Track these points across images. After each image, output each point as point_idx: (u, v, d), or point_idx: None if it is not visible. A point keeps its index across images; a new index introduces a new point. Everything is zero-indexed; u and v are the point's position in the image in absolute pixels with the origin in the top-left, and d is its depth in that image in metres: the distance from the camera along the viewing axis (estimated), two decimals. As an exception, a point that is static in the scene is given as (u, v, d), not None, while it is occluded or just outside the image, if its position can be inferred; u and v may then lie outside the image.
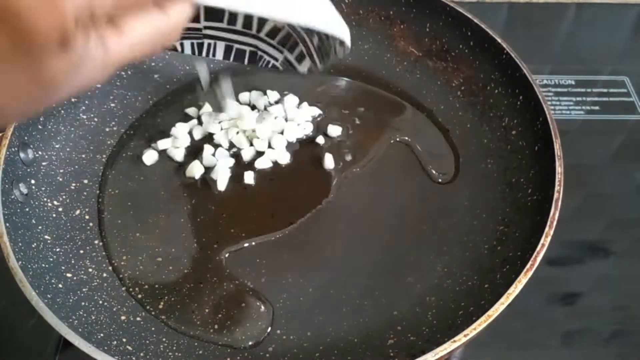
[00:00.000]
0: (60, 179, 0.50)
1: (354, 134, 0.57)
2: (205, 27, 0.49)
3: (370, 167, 0.55)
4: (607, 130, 0.65)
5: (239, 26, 0.49)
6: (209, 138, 0.56)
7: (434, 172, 0.54)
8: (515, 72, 0.52)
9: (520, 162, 0.51)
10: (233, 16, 0.49)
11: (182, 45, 0.50)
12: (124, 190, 0.52)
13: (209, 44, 0.51)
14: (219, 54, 0.51)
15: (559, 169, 0.45)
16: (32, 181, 0.48)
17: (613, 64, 0.72)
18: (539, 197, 0.47)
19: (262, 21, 0.49)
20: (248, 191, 0.53)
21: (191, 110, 0.59)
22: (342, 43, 0.44)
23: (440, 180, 0.53)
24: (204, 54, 0.51)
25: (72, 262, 0.46)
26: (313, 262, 0.48)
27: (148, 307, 0.45)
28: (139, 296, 0.46)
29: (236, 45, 0.51)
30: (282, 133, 0.56)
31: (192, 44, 0.51)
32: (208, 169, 0.54)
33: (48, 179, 0.49)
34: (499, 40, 0.54)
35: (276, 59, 0.51)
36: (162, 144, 0.55)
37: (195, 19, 0.48)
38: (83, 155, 0.53)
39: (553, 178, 0.45)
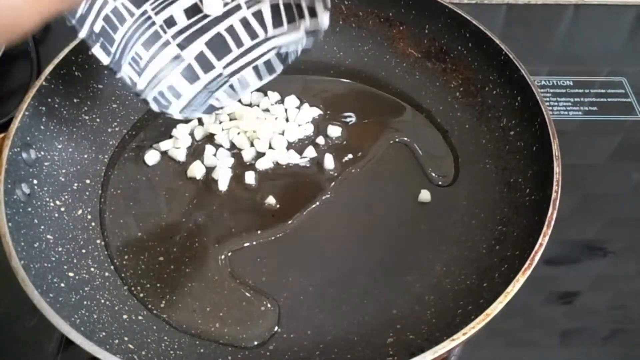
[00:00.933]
0: (63, 179, 0.51)
1: (354, 134, 0.57)
2: (225, 67, 0.49)
3: (370, 167, 0.55)
4: (605, 130, 0.65)
5: (246, 42, 0.49)
6: (210, 138, 0.57)
7: (433, 175, 0.54)
8: (514, 73, 0.53)
9: (518, 163, 0.51)
10: (235, 36, 0.49)
11: (218, 99, 0.50)
12: (126, 190, 0.53)
13: (238, 80, 0.50)
14: (252, 82, 0.51)
15: (557, 169, 0.46)
16: (35, 181, 0.48)
17: (611, 64, 0.72)
18: (537, 197, 0.47)
19: (259, 16, 0.49)
20: (249, 191, 0.53)
21: (192, 111, 0.59)
22: None
23: (440, 183, 0.54)
24: (239, 92, 0.51)
25: (74, 261, 0.46)
26: (313, 261, 0.49)
27: (149, 306, 0.46)
28: (141, 295, 0.46)
29: (259, 62, 0.50)
30: (282, 134, 0.57)
31: (225, 91, 0.50)
32: (209, 169, 0.54)
33: (50, 179, 0.49)
34: (498, 42, 0.54)
35: (299, 39, 0.48)
36: (164, 144, 0.56)
37: (209, 67, 0.49)
38: (85, 156, 0.53)
39: (551, 178, 0.45)
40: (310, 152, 0.55)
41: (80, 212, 0.50)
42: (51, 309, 0.38)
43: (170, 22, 0.48)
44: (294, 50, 0.49)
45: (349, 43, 0.63)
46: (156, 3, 0.46)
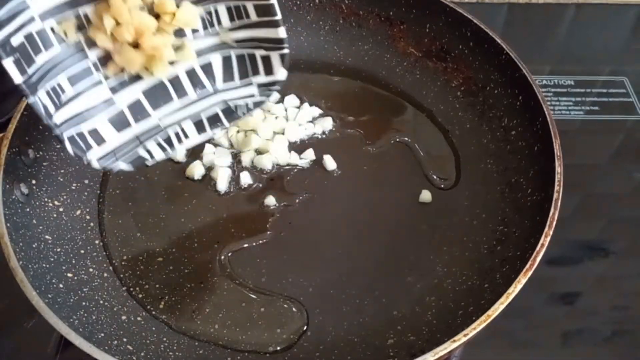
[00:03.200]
0: (61, 179, 0.50)
1: (354, 134, 0.57)
2: (162, 118, 0.43)
3: (370, 167, 0.55)
4: (606, 130, 0.65)
5: (191, 94, 0.44)
6: (209, 138, 0.56)
7: (435, 177, 0.54)
8: (515, 73, 0.53)
9: (519, 162, 0.51)
10: (179, 86, 0.43)
11: (149, 152, 0.43)
12: (125, 190, 0.53)
13: (176, 132, 0.44)
14: (192, 134, 0.44)
15: (559, 169, 0.45)
16: (33, 181, 0.48)
17: (612, 64, 0.72)
18: (538, 197, 0.47)
19: (209, 68, 0.44)
20: (248, 191, 0.53)
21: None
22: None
23: (442, 186, 0.53)
24: (177, 144, 0.43)
25: (73, 262, 0.46)
26: (313, 261, 0.49)
27: (148, 307, 0.45)
28: (140, 296, 0.46)
29: (204, 114, 0.44)
30: (282, 133, 0.56)
31: (159, 144, 0.43)
32: (208, 169, 0.54)
33: (49, 179, 0.49)
34: (499, 41, 0.54)
35: (252, 95, 0.44)
36: (163, 144, 0.55)
37: (143, 115, 0.43)
38: (84, 156, 0.53)
39: (552, 178, 0.45)
40: (310, 154, 0.55)
41: (78, 212, 0.50)
42: (50, 310, 0.38)
43: (105, 59, 0.41)
44: (244, 104, 0.43)
45: (349, 42, 0.63)
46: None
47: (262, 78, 0.44)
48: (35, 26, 0.39)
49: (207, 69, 0.44)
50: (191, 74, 0.43)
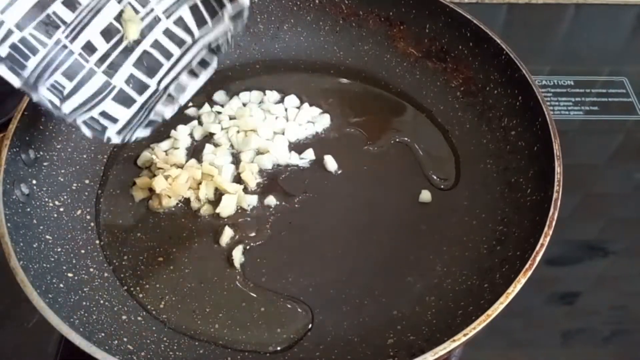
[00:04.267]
0: (62, 179, 0.50)
1: (354, 134, 0.57)
2: (159, 82, 0.47)
3: (370, 167, 0.55)
4: (606, 130, 0.65)
5: (175, 51, 0.47)
6: (209, 138, 0.56)
7: (434, 177, 0.54)
8: (515, 73, 0.53)
9: (519, 162, 0.51)
10: (162, 49, 0.46)
11: (157, 113, 0.47)
12: (125, 190, 0.53)
13: (175, 88, 0.47)
14: (190, 84, 0.47)
15: (558, 169, 0.45)
16: (34, 181, 0.48)
17: (612, 64, 0.72)
18: (538, 197, 0.47)
19: (181, 22, 0.47)
20: (248, 191, 0.53)
21: (191, 111, 0.59)
22: None
23: (442, 187, 0.53)
24: (179, 99, 0.47)
25: (73, 262, 0.46)
26: (313, 262, 0.49)
27: (149, 307, 0.46)
28: (140, 296, 0.46)
29: (193, 64, 0.47)
30: (282, 133, 0.57)
31: (163, 103, 0.47)
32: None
33: (49, 180, 0.49)
34: (499, 41, 0.54)
35: (227, 30, 0.47)
36: (163, 144, 0.55)
37: (143, 87, 0.46)
38: (84, 156, 0.53)
39: (552, 178, 0.45)
40: (310, 154, 0.55)
41: (79, 212, 0.50)
42: (50, 310, 0.38)
43: (89, 47, 0.45)
44: (224, 40, 0.47)
45: (349, 42, 0.63)
46: (68, 30, 0.43)
47: (229, 9, 0.46)
48: (16, 36, 0.42)
49: (180, 23, 0.47)
50: (169, 33, 0.47)
